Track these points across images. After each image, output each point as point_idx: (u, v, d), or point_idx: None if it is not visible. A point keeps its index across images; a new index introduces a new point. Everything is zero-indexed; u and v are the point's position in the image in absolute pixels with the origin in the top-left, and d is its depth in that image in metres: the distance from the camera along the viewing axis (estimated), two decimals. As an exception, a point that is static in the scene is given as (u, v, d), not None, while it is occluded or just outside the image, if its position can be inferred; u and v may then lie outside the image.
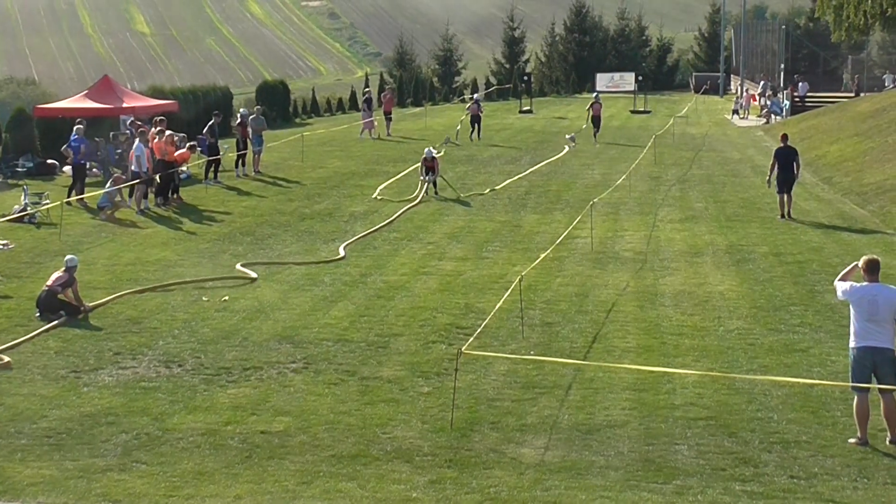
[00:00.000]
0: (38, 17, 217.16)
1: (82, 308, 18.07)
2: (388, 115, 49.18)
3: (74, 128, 29.98)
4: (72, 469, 11.43)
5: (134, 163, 28.52)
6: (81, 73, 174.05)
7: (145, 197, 28.91)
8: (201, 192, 31.42)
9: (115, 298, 19.08)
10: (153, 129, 30.35)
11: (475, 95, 53.65)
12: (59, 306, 17.92)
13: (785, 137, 28.04)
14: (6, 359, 15.39)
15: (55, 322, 17.43)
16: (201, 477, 11.19)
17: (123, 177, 28.57)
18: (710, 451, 11.83)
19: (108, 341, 16.47)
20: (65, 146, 29.96)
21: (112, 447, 12.14)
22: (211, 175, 33.89)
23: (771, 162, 27.60)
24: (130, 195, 28.75)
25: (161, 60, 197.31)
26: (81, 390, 14.20)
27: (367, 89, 53.30)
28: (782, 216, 26.71)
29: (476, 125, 46.19)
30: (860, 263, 12.30)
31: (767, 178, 27.94)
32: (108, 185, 28.03)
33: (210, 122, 34.82)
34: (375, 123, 47.46)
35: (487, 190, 31.47)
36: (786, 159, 26.91)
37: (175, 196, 29.93)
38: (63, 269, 18.50)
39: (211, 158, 34.01)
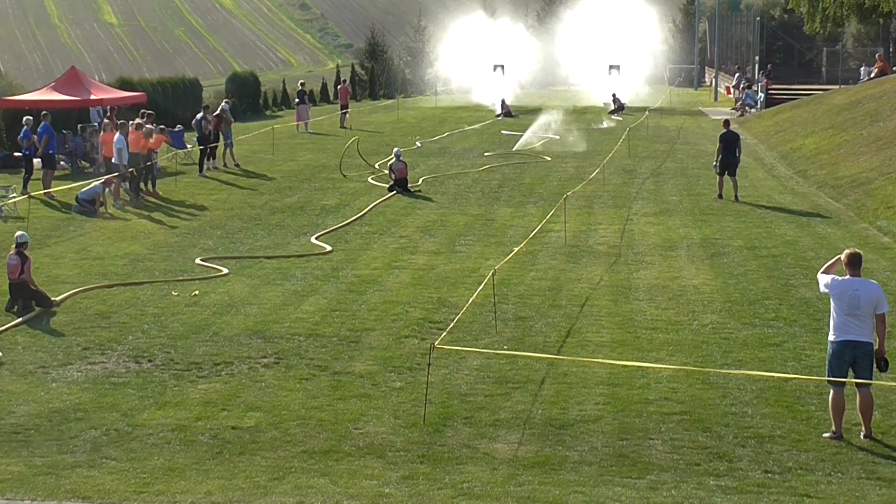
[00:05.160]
0: (3, 7, 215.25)
1: (53, 301, 17.90)
2: (344, 108, 49.25)
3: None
4: (40, 465, 11.29)
5: (115, 156, 28.27)
6: (48, 65, 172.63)
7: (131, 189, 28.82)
8: (170, 185, 31.20)
9: (81, 292, 18.90)
10: (137, 121, 30.21)
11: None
12: (32, 295, 17.72)
13: (727, 123, 29.80)
14: None
15: (22, 318, 17.20)
16: (171, 473, 11.07)
17: (115, 181, 28.15)
18: (685, 445, 11.80)
19: (76, 336, 16.29)
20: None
21: (81, 443, 12.01)
22: (209, 167, 33.91)
23: (717, 147, 29.02)
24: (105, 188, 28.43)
25: (129, 51, 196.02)
26: (50, 386, 14.03)
27: (301, 82, 53.08)
28: (720, 196, 28.47)
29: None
30: (842, 257, 12.25)
31: (714, 162, 29.27)
32: (94, 183, 27.59)
33: (201, 115, 34.38)
34: (310, 119, 47.57)
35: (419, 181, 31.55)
36: (728, 143, 28.48)
37: (153, 189, 29.77)
38: (14, 249, 18.14)
39: (204, 148, 33.88)
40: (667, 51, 68.87)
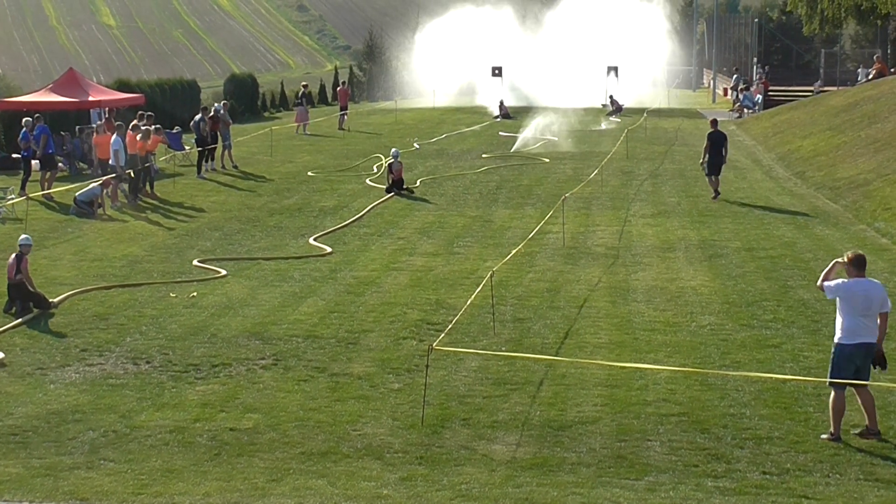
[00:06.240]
0: (1, 8, 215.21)
1: (51, 302, 17.89)
2: (343, 109, 49.32)
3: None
4: (38, 467, 11.28)
5: (112, 157, 28.25)
6: (46, 67, 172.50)
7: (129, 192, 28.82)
8: (168, 186, 31.19)
9: (79, 293, 18.89)
10: (136, 122, 30.24)
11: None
12: (30, 296, 17.70)
13: (715, 122, 29.96)
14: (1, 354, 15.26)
15: (20, 319, 17.19)
16: (170, 474, 11.06)
17: (113, 182, 28.10)
18: (683, 447, 11.80)
19: (74, 338, 16.28)
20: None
21: (79, 445, 12.00)
22: (207, 168, 33.93)
23: (704, 146, 29.25)
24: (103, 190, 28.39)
25: (127, 53, 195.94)
26: (48, 387, 14.02)
27: (304, 84, 53.22)
28: (716, 195, 28.68)
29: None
30: (844, 259, 12.12)
31: (701, 160, 29.59)
32: (92, 185, 27.58)
33: (199, 116, 34.36)
34: (309, 120, 47.60)
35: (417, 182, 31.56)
36: (715, 142, 28.79)
37: (151, 191, 29.74)
38: (15, 253, 18.10)
39: (202, 150, 33.87)
40: (665, 52, 69.02)
